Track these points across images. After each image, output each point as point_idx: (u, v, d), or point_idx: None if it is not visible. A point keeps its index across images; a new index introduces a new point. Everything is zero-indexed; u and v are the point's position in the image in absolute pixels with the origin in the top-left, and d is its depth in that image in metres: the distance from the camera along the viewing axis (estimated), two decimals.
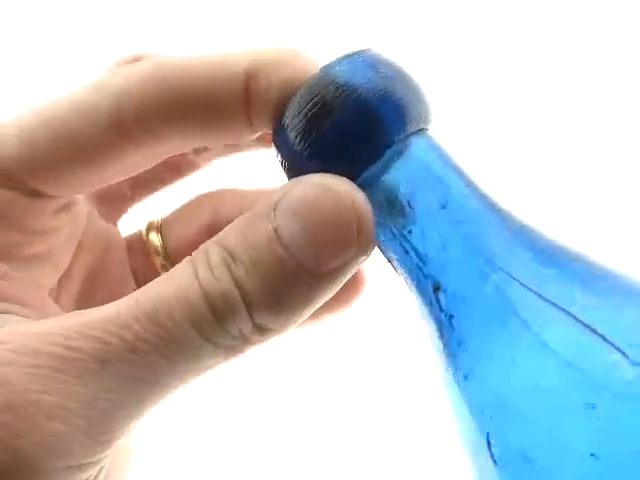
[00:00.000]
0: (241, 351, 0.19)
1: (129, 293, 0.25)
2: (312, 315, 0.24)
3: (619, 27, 0.53)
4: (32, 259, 0.22)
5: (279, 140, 0.21)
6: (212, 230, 0.25)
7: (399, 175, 0.20)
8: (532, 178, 0.52)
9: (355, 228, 0.19)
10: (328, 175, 0.19)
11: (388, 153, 0.20)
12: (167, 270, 0.26)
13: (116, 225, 0.28)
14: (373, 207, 0.20)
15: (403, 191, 0.20)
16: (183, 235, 0.27)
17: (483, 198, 0.20)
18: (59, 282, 0.24)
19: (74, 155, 0.21)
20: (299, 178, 0.19)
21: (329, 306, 0.24)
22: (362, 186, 0.20)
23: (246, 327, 0.18)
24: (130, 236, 0.28)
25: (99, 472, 0.20)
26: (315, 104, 0.20)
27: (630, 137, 0.52)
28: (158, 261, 0.27)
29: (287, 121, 0.20)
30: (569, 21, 0.53)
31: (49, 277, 0.23)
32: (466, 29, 0.54)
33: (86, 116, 0.21)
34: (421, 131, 0.21)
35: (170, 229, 0.27)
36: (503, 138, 0.52)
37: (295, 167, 0.20)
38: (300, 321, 0.19)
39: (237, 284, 0.18)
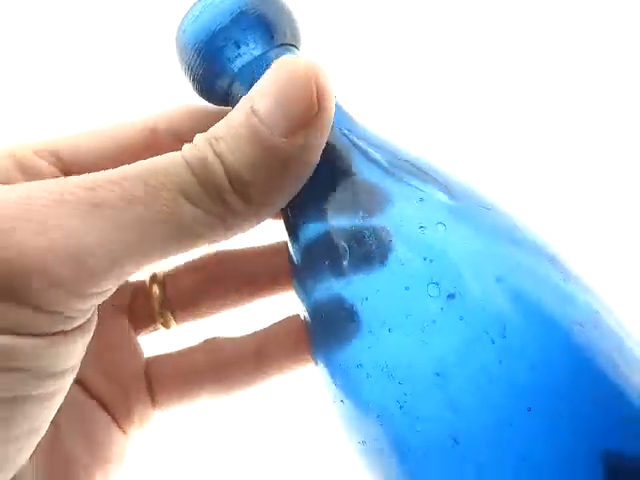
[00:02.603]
0: (230, 222, 0.21)
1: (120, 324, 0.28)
2: None
3: (619, 27, 0.52)
4: None
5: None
6: (209, 287, 0.29)
7: None
8: (532, 178, 0.52)
9: (314, 88, 0.21)
10: (290, 54, 0.23)
11: (259, 60, 0.23)
12: (163, 319, 0.29)
13: None
14: None
15: None
16: (182, 289, 0.29)
17: None
18: None
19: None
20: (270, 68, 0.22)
21: None
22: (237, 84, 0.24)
23: (228, 192, 0.21)
24: (137, 281, 0.30)
25: (84, 327, 0.21)
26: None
27: (630, 137, 0.52)
28: (157, 310, 0.29)
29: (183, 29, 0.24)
30: (569, 21, 0.53)
31: None
32: (466, 29, 0.54)
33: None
34: (289, 45, 0.24)
35: (171, 282, 0.29)
36: (503, 138, 0.53)
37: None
38: (281, 195, 0.22)
39: (216, 154, 0.21)
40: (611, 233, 0.50)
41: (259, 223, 0.23)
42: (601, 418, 0.18)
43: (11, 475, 0.21)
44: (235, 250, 0.30)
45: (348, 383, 0.21)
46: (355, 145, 0.23)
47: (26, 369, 0.19)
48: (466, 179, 0.23)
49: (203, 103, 0.26)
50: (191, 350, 0.29)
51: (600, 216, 0.51)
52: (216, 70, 0.24)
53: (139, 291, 0.30)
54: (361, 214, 0.21)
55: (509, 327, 0.19)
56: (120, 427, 0.28)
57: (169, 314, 0.29)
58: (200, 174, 0.21)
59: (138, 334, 0.30)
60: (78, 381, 0.27)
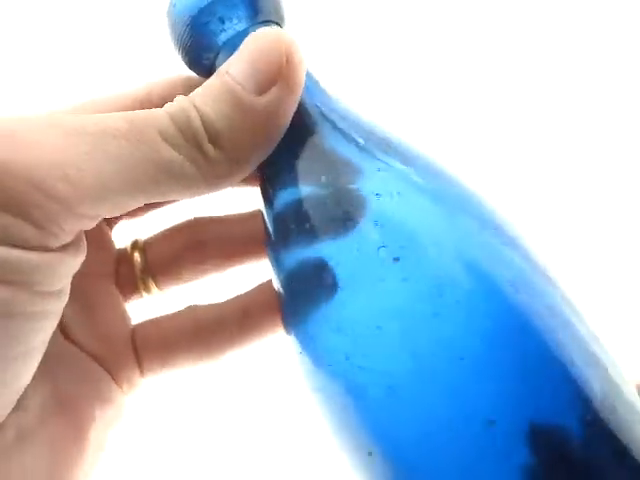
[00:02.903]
0: (206, 171, 0.23)
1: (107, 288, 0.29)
2: None
3: (619, 27, 0.53)
4: None
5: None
6: (188, 252, 0.30)
7: None
8: (532, 178, 0.52)
9: (284, 56, 0.23)
10: (267, 27, 0.25)
11: (242, 35, 0.24)
12: (145, 285, 0.30)
13: (111, 231, 0.31)
14: None
15: None
16: (162, 255, 0.31)
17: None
18: None
19: None
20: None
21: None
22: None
23: (204, 141, 0.23)
24: (121, 249, 0.31)
25: (70, 249, 0.23)
26: None
27: (630, 137, 0.52)
28: (138, 276, 0.31)
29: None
30: (569, 21, 0.53)
31: None
32: (466, 29, 0.54)
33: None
34: (273, 23, 0.26)
35: (151, 249, 0.31)
36: (503, 138, 0.53)
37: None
38: (253, 150, 0.24)
39: (195, 106, 0.23)
40: (609, 231, 0.50)
41: (235, 178, 0.24)
42: (529, 383, 0.19)
43: (10, 400, 0.23)
44: (215, 216, 0.31)
45: (306, 338, 0.23)
46: (324, 115, 0.25)
47: (16, 282, 0.21)
48: (426, 152, 0.24)
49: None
50: (174, 316, 0.30)
51: (598, 214, 0.51)
52: (203, 43, 0.25)
53: (122, 258, 0.31)
54: (322, 181, 0.23)
55: (447, 289, 0.20)
56: (116, 383, 0.29)
57: (150, 280, 0.31)
58: (179, 121, 0.23)
59: (126, 301, 0.31)
60: (73, 341, 0.28)
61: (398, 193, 0.22)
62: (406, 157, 0.23)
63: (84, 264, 0.29)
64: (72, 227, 0.22)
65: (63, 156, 0.21)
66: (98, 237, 0.30)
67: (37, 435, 0.24)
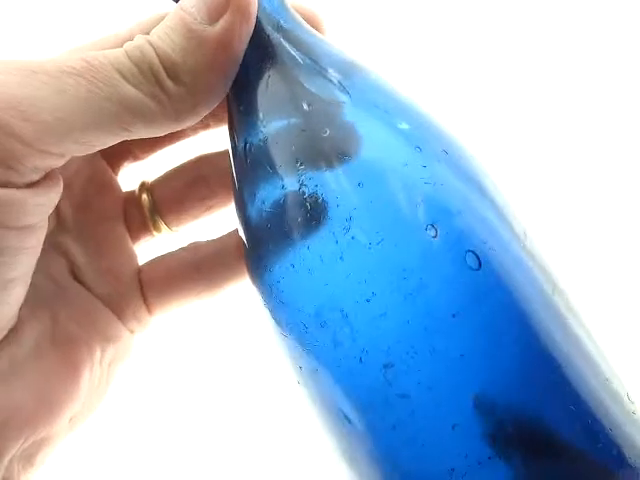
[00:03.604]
0: (167, 104, 0.24)
1: (117, 226, 0.31)
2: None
3: (619, 27, 0.49)
4: None
5: None
6: (192, 187, 0.31)
7: None
8: (532, 178, 0.50)
9: None
10: None
11: None
12: (155, 225, 0.32)
13: (117, 175, 0.32)
14: None
15: None
16: (169, 194, 0.32)
17: None
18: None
19: None
20: None
21: None
22: None
23: (162, 74, 0.24)
24: (129, 191, 0.33)
25: (37, 187, 0.23)
26: None
27: (630, 137, 0.49)
28: (148, 216, 0.32)
29: None
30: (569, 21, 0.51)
31: None
32: (466, 29, 0.52)
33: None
34: None
35: (159, 189, 0.32)
36: (503, 138, 0.51)
37: None
38: (211, 79, 0.24)
39: (150, 42, 0.24)
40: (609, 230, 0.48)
41: (198, 112, 0.25)
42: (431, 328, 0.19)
43: None
44: (218, 151, 0.32)
45: (255, 280, 0.24)
46: (287, 44, 0.24)
47: None
48: (395, 87, 0.24)
49: None
50: (177, 253, 0.32)
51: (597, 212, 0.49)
52: None
53: (131, 201, 0.32)
54: (262, 118, 0.23)
55: (355, 228, 0.20)
56: (123, 323, 0.31)
57: (159, 219, 0.32)
58: (134, 57, 0.24)
59: (136, 242, 0.32)
60: (81, 282, 0.30)
61: (329, 128, 0.21)
62: (367, 88, 0.23)
63: (91, 208, 0.31)
64: (37, 164, 0.23)
65: (19, 94, 0.22)
66: (104, 181, 0.31)
67: (28, 369, 0.26)
